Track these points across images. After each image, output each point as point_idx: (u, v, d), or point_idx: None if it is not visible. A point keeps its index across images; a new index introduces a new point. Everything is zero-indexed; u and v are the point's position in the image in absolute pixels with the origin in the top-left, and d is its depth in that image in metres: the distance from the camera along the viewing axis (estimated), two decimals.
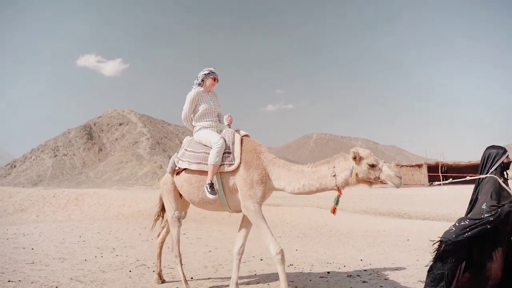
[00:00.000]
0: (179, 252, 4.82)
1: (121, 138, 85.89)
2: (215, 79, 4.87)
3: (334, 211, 4.04)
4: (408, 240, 8.21)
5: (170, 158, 4.83)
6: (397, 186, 3.74)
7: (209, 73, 4.81)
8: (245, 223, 4.54)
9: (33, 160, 74.75)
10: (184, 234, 9.28)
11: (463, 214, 3.48)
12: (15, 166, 73.73)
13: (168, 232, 5.36)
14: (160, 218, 5.56)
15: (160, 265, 5.23)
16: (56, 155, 76.30)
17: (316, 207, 14.79)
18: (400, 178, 3.73)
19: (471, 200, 3.46)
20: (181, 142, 5.02)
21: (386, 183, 3.77)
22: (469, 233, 3.17)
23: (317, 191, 4.10)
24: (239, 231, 4.56)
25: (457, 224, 3.25)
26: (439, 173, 40.16)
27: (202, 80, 4.83)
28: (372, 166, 3.78)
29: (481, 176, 3.39)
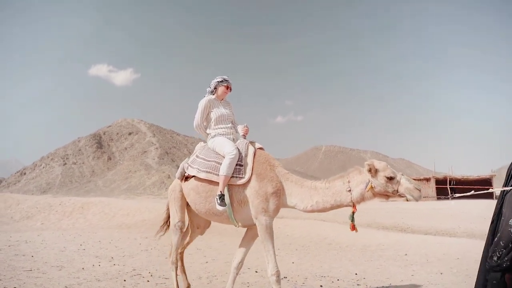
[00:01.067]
0: (176, 259, 4.72)
1: (130, 148, 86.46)
2: (228, 87, 4.75)
3: (353, 228, 3.87)
4: (406, 254, 8.17)
5: (178, 168, 4.66)
6: (417, 200, 3.60)
7: (222, 80, 4.70)
8: (248, 239, 4.36)
9: (43, 168, 75.49)
10: None
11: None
12: (25, 174, 74.52)
13: (186, 242, 5.05)
14: (166, 226, 5.23)
15: (186, 279, 4.92)
16: (65, 163, 76.99)
17: (319, 220, 14.75)
18: (420, 191, 3.59)
19: (494, 213, 3.37)
20: (190, 152, 4.95)
21: (405, 197, 3.62)
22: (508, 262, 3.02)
23: (332, 208, 3.91)
24: (240, 246, 4.38)
25: (491, 255, 3.13)
26: (447, 186, 39.84)
27: (215, 88, 4.73)
28: (390, 178, 3.64)
29: (506, 188, 3.30)
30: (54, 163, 76.96)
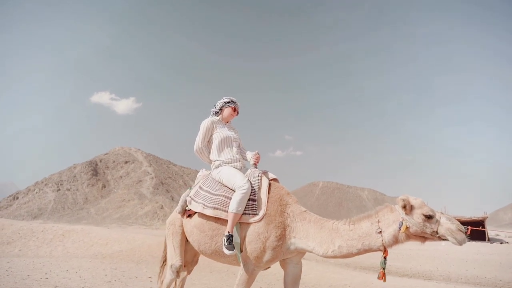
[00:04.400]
0: None
1: (125, 176, 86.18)
2: (235, 110, 4.25)
3: (383, 276, 3.31)
4: None
5: (172, 199, 4.10)
6: (460, 243, 3.06)
7: (229, 101, 4.22)
8: (292, 283, 3.66)
9: (36, 193, 74.95)
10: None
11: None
12: (17, 198, 73.89)
13: (178, 285, 4.42)
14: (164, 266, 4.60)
15: None
16: (59, 189, 76.51)
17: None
18: (464, 232, 3.08)
19: None
20: (186, 184, 4.36)
21: (446, 239, 3.12)
22: None
23: (358, 253, 3.30)
24: None
25: None
26: None
27: (221, 109, 4.24)
28: (428, 217, 3.11)
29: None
30: (48, 188, 76.49)
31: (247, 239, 3.50)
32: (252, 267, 3.45)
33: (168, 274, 4.05)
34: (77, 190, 79.03)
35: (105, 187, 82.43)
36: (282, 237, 3.46)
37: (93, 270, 10.28)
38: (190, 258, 4.41)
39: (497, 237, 45.02)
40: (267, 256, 3.42)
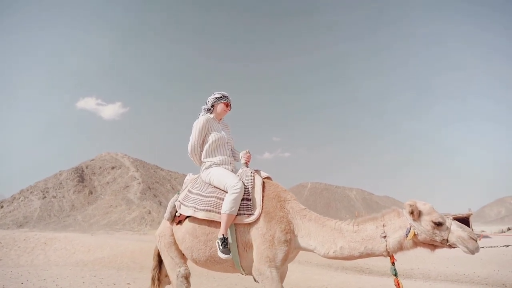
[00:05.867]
0: None
1: (112, 182, 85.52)
2: (227, 105, 4.02)
3: (398, 284, 3.09)
4: None
5: (159, 204, 3.67)
6: (472, 252, 2.87)
7: (221, 97, 3.97)
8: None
9: (21, 201, 73.95)
10: None
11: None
12: (2, 207, 72.77)
13: None
14: (157, 282, 4.19)
15: None
16: (45, 197, 75.61)
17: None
18: (476, 240, 2.88)
19: None
20: (173, 188, 3.88)
21: (456, 247, 2.94)
22: None
23: (360, 256, 3.15)
24: None
25: None
26: None
27: (212, 105, 3.99)
28: (438, 224, 2.92)
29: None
30: (33, 196, 75.54)
31: (254, 245, 3.28)
32: (269, 271, 3.16)
33: (179, 286, 3.70)
34: (63, 197, 78.17)
35: (92, 193, 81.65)
36: (289, 231, 3.28)
37: (72, 278, 10.20)
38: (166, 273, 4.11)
39: (483, 233, 45.54)
40: (279, 254, 3.19)
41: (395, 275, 3.09)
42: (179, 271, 3.69)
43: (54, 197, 77.24)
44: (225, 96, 3.98)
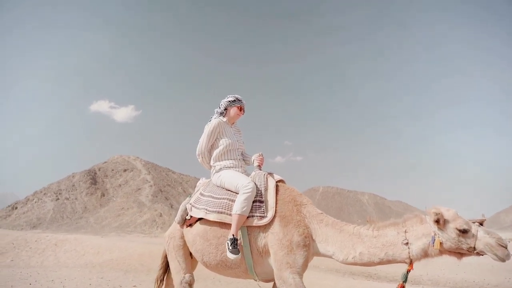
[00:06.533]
0: None
1: (124, 184, 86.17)
2: (241, 109, 3.92)
3: None
4: None
5: (171, 207, 3.66)
6: (503, 260, 2.71)
7: (234, 100, 3.88)
8: None
9: (35, 202, 74.90)
10: None
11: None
12: (16, 208, 73.82)
13: None
14: (161, 282, 4.16)
15: None
16: (58, 199, 76.48)
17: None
18: (506, 247, 2.71)
19: None
20: (185, 191, 3.87)
21: (485, 255, 2.79)
22: None
23: (380, 263, 3.03)
24: None
25: None
26: None
27: (225, 109, 3.91)
28: (463, 232, 2.77)
29: None
30: (47, 198, 76.46)
31: (271, 251, 3.17)
32: (292, 277, 3.02)
33: None
34: (76, 199, 78.97)
35: (104, 195, 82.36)
36: (307, 236, 3.18)
37: (79, 279, 10.30)
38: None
39: None
40: (299, 259, 3.07)
41: (404, 281, 2.98)
42: (184, 277, 3.64)
43: (67, 199, 78.07)
44: (239, 100, 3.89)
